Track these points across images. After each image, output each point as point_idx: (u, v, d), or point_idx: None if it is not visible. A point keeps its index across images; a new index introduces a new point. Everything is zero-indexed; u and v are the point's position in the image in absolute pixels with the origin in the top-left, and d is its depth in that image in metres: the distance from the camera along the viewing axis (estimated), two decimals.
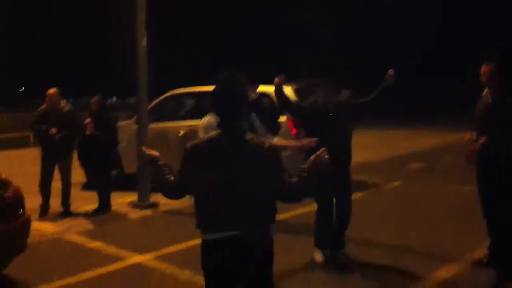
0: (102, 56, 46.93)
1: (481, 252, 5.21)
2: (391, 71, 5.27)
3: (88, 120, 7.58)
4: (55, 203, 7.81)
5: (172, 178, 2.97)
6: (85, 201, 8.30)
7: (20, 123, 22.38)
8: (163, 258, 5.67)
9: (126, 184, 8.79)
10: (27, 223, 5.19)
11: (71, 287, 5.02)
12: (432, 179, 9.74)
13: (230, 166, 2.83)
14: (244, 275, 2.85)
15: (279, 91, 5.51)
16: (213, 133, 2.93)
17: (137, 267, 5.50)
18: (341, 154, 5.12)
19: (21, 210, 5.12)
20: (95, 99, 7.81)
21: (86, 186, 9.25)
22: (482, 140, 4.60)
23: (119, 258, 5.75)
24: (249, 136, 2.91)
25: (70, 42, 49.13)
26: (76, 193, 8.24)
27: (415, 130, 18.26)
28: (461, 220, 6.59)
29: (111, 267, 5.48)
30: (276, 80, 5.46)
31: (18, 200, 5.11)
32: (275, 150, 2.90)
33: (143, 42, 7.98)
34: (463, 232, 6.19)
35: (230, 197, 2.83)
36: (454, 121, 12.72)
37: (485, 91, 4.88)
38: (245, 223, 2.83)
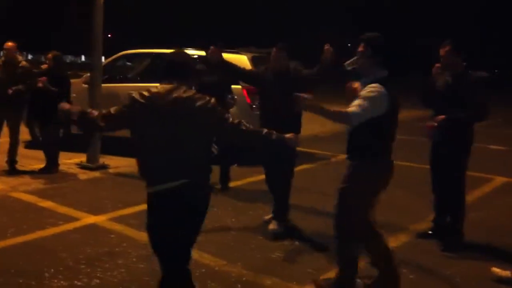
0: (57, 12, 45.15)
1: (426, 224, 5.55)
2: (327, 47, 5.34)
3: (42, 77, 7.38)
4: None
5: (96, 113, 3.28)
6: (31, 160, 8.12)
7: None
8: (119, 220, 5.67)
9: (72, 144, 8.61)
10: None
11: (26, 244, 4.94)
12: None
13: (170, 120, 3.09)
14: (183, 221, 3.12)
15: (222, 62, 5.45)
16: (159, 88, 3.18)
17: (93, 227, 5.47)
18: (290, 121, 5.17)
19: None
20: (51, 53, 7.60)
21: (31, 145, 9.04)
22: (440, 117, 4.83)
23: (73, 218, 5.69)
24: (189, 92, 3.17)
25: None
26: (21, 151, 8.00)
27: None
28: (407, 194, 6.94)
29: (66, 227, 5.43)
30: (211, 51, 5.42)
31: None
32: (214, 103, 3.17)
33: None
34: (409, 205, 6.53)
35: (170, 150, 3.09)
36: (405, 99, 13.11)
37: (440, 71, 5.12)
38: (185, 174, 3.09)
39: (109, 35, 30.45)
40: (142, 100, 3.12)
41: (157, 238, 3.19)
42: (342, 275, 4.01)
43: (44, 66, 7.77)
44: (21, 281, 4.14)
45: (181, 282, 3.21)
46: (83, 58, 57.51)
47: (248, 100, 8.23)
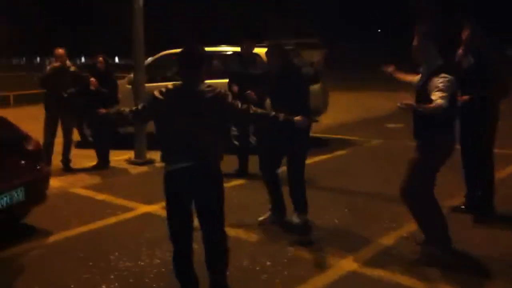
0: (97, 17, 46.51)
1: (459, 199, 5.84)
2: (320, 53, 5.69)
3: (93, 78, 7.93)
4: (55, 161, 8.17)
5: (127, 111, 3.91)
6: (83, 159, 8.68)
7: None
8: None
9: (119, 143, 9.15)
10: (47, 174, 5.59)
11: (89, 233, 5.45)
12: (411, 138, 10.33)
13: (184, 112, 3.61)
14: (199, 193, 3.70)
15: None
16: (175, 85, 3.70)
17: (149, 215, 5.95)
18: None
19: (41, 162, 5.51)
20: (100, 58, 8.17)
21: (81, 144, 9.64)
22: (464, 97, 5.13)
23: (129, 208, 6.20)
24: (202, 86, 3.67)
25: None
26: (73, 150, 8.57)
27: (394, 91, 18.88)
28: (439, 173, 7.19)
29: (123, 216, 5.93)
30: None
31: (39, 152, 5.49)
32: (224, 93, 3.71)
33: (140, 2, 8.26)
34: (443, 182, 6.80)
35: (185, 134, 3.62)
36: None
37: (463, 53, 5.37)
38: (199, 156, 3.63)
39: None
40: (160, 97, 3.67)
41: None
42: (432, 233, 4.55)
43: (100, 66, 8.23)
44: (90, 263, 4.64)
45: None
46: (116, 59, 58.78)
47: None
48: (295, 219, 5.48)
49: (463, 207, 5.70)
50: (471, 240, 4.91)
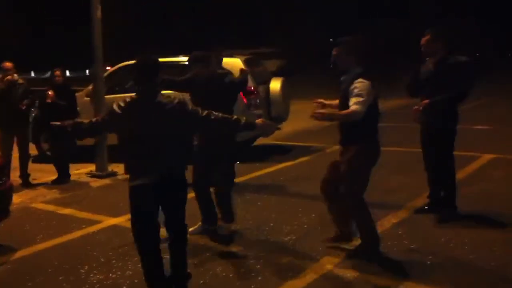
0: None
1: (422, 200, 6.01)
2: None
3: (50, 91, 7.76)
4: (12, 176, 7.93)
5: (85, 122, 3.92)
6: (41, 173, 8.50)
7: None
8: None
9: (78, 155, 8.97)
10: (10, 189, 5.44)
11: (57, 247, 5.34)
12: None
13: (147, 121, 3.63)
14: (165, 203, 3.81)
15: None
16: (133, 97, 3.72)
17: (115, 228, 5.86)
18: None
19: (4, 177, 5.36)
20: (57, 70, 8.00)
21: (38, 159, 9.41)
22: (425, 101, 5.33)
23: (95, 222, 6.09)
24: (160, 96, 3.72)
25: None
26: (30, 165, 8.33)
27: None
28: (402, 175, 7.41)
29: (90, 229, 5.82)
30: None
31: (1, 167, 5.34)
32: (184, 102, 3.76)
33: (98, 13, 8.17)
34: (405, 185, 7.00)
35: (149, 147, 3.65)
36: (393, 87, 13.74)
37: (427, 59, 5.60)
38: (163, 168, 3.68)
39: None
40: (119, 111, 3.66)
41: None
42: (366, 244, 4.61)
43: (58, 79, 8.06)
44: (60, 278, 4.55)
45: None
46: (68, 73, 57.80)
47: (245, 101, 8.66)
48: (222, 229, 5.43)
49: (426, 207, 5.86)
50: (435, 240, 5.06)
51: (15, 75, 7.88)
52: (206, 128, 3.99)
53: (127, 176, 3.85)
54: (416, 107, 5.41)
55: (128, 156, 3.77)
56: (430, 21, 17.31)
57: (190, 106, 3.82)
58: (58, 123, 4.02)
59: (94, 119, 3.93)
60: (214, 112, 3.79)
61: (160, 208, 3.87)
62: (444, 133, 5.54)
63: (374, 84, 4.40)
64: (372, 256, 4.59)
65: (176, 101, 3.71)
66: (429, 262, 4.58)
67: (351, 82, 4.39)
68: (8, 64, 7.78)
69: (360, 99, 4.27)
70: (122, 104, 3.68)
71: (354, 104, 4.27)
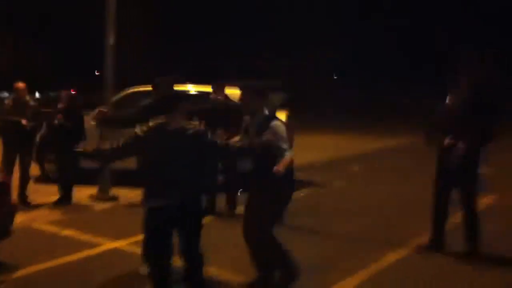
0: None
1: (424, 238, 5.99)
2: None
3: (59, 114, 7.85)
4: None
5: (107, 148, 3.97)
6: (42, 194, 8.50)
7: None
8: (138, 244, 6.02)
9: (83, 178, 8.99)
10: (14, 209, 5.45)
11: (58, 268, 5.34)
12: (372, 179, 10.56)
13: (169, 146, 3.74)
14: (181, 227, 3.88)
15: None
16: (157, 121, 3.82)
17: (115, 251, 5.87)
18: None
19: (6, 196, 5.38)
20: (65, 92, 8.10)
21: (41, 180, 9.43)
22: (462, 144, 5.31)
23: (95, 244, 6.08)
24: (184, 123, 3.83)
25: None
26: (31, 185, 8.38)
27: (359, 133, 19.29)
28: (402, 213, 7.40)
29: (90, 252, 5.82)
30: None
31: (4, 186, 5.36)
32: (204, 130, 3.89)
33: (111, 40, 8.31)
34: (406, 223, 6.98)
35: (170, 171, 3.74)
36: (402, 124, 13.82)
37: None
38: (183, 193, 3.77)
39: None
40: (143, 135, 3.77)
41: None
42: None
43: (60, 105, 8.14)
44: None
45: None
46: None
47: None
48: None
49: (428, 245, 5.84)
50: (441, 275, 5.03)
51: (27, 96, 8.01)
52: (224, 156, 4.19)
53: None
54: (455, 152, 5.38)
55: (149, 179, 3.85)
56: None
57: (210, 134, 3.92)
58: (81, 149, 4.18)
59: (116, 144, 3.93)
60: (231, 141, 4.00)
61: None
62: (467, 175, 5.53)
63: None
64: None
65: (197, 128, 3.85)
66: None
67: (264, 126, 4.32)
68: (20, 85, 7.90)
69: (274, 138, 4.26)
70: (145, 128, 3.78)
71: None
